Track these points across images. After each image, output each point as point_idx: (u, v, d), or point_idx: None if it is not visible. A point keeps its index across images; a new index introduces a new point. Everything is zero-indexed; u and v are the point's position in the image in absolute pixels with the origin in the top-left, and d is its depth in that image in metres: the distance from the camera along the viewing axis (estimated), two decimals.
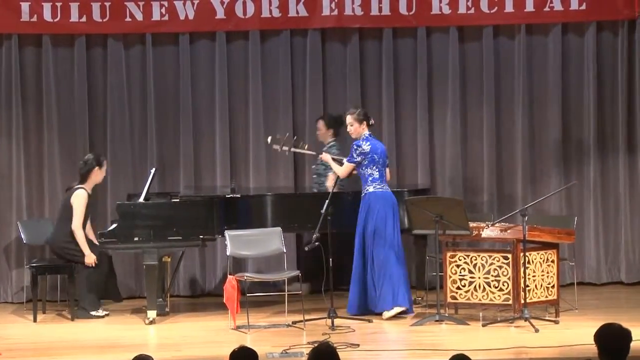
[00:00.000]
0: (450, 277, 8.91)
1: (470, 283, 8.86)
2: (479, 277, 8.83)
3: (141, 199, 9.37)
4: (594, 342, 4.78)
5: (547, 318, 8.79)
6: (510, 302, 8.72)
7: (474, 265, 8.85)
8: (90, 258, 9.33)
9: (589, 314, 9.05)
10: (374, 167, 9.10)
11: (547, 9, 10.57)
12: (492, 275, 8.79)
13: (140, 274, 10.04)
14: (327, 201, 8.67)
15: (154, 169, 9.78)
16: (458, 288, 8.90)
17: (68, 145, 10.50)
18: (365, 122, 9.18)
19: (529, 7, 10.56)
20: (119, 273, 9.91)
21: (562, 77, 10.70)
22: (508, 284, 8.74)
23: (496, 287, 8.79)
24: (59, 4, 10.33)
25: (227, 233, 9.12)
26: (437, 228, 8.71)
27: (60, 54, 10.52)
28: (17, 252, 10.42)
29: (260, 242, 9.22)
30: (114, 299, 9.75)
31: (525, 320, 8.46)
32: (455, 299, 8.94)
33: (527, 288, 8.59)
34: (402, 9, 10.53)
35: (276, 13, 10.51)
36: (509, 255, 8.73)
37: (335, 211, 8.75)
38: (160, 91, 10.61)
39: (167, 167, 10.63)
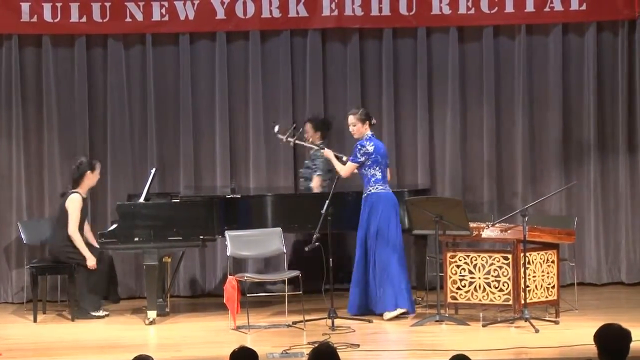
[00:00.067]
0: (451, 277, 8.90)
1: (471, 283, 8.85)
2: (479, 278, 8.82)
3: (141, 199, 9.37)
4: (594, 343, 4.78)
5: (547, 318, 8.79)
6: (511, 302, 8.72)
7: (474, 266, 8.84)
8: (91, 261, 9.32)
9: (589, 315, 9.04)
10: (377, 168, 9.08)
11: (547, 9, 10.56)
12: (492, 276, 8.79)
13: (141, 274, 10.04)
14: (327, 201, 8.67)
15: (154, 169, 9.78)
16: (458, 288, 8.90)
17: (68, 145, 10.49)
18: (367, 122, 9.17)
19: (529, 7, 10.56)
20: (119, 273, 9.91)
21: (562, 77, 10.69)
22: (508, 285, 8.74)
23: (496, 288, 8.79)
24: (59, 5, 10.33)
25: (227, 233, 9.12)
26: (437, 228, 8.71)
27: (60, 54, 10.52)
28: (17, 252, 10.42)
29: (260, 243, 9.22)
30: (112, 301, 9.75)
31: (525, 321, 8.46)
32: (456, 299, 8.94)
33: (527, 288, 8.59)
34: (402, 9, 10.52)
35: (276, 13, 10.50)
36: (509, 256, 8.73)
37: (335, 211, 8.75)
38: (160, 91, 10.61)
39: (167, 167, 10.62)
